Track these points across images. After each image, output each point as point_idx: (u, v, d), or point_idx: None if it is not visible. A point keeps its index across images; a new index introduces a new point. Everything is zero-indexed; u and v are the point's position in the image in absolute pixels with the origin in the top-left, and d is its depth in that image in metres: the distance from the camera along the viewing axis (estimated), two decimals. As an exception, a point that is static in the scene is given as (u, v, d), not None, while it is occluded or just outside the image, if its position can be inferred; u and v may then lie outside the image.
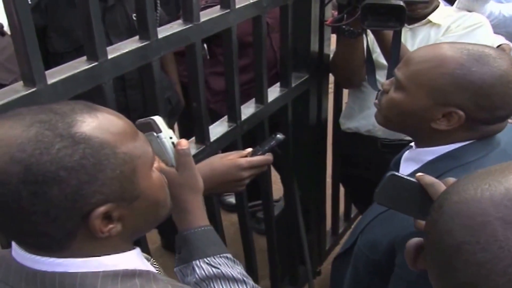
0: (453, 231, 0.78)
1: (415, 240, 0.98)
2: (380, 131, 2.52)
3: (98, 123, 0.94)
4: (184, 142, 1.36)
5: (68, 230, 0.93)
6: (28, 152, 0.87)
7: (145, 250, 1.77)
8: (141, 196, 1.00)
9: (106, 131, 0.94)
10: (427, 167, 1.46)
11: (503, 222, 0.73)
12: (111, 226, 0.96)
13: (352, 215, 3.64)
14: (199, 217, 1.35)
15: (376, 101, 1.61)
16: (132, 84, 2.81)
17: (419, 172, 1.22)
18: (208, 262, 1.28)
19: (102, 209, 0.93)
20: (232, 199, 3.67)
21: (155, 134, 1.33)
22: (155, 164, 1.08)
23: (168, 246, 3.48)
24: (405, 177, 1.20)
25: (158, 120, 1.35)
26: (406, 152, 1.61)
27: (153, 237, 3.52)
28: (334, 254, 3.33)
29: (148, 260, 1.17)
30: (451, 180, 1.11)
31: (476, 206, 0.77)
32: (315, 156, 2.90)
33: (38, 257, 0.97)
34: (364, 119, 2.59)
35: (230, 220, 3.65)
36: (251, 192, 2.22)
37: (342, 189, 3.33)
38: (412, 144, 1.61)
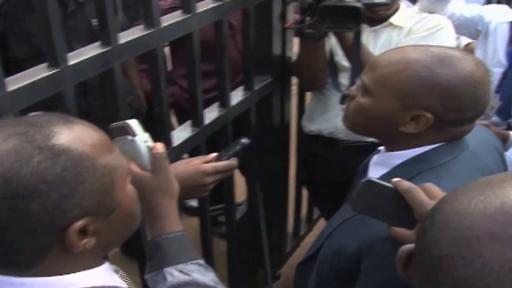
0: (440, 242, 0.74)
1: (407, 246, 0.95)
2: (342, 134, 2.53)
3: (75, 135, 0.92)
4: (159, 146, 1.33)
5: (42, 246, 0.90)
6: (6, 165, 0.84)
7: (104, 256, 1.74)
8: (117, 209, 0.99)
9: (84, 143, 0.93)
10: (396, 171, 1.45)
11: (490, 237, 0.69)
12: (85, 240, 0.94)
13: (314, 217, 3.65)
14: (173, 222, 1.33)
15: (343, 106, 1.60)
16: (93, 89, 2.76)
17: (388, 175, 1.20)
18: (180, 269, 1.26)
19: (80, 223, 0.91)
20: (193, 203, 3.64)
21: (129, 137, 1.30)
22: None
23: (127, 251, 3.44)
24: (382, 183, 1.17)
25: (133, 123, 1.32)
26: (375, 156, 1.60)
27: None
28: (295, 257, 3.36)
29: (117, 272, 1.14)
30: (429, 185, 1.10)
31: (467, 219, 0.73)
32: (278, 158, 2.90)
33: (1, 277, 0.93)
34: (326, 121, 2.60)
35: (190, 224, 3.61)
36: (212, 196, 2.19)
37: (305, 191, 3.33)
38: (381, 148, 1.60)
